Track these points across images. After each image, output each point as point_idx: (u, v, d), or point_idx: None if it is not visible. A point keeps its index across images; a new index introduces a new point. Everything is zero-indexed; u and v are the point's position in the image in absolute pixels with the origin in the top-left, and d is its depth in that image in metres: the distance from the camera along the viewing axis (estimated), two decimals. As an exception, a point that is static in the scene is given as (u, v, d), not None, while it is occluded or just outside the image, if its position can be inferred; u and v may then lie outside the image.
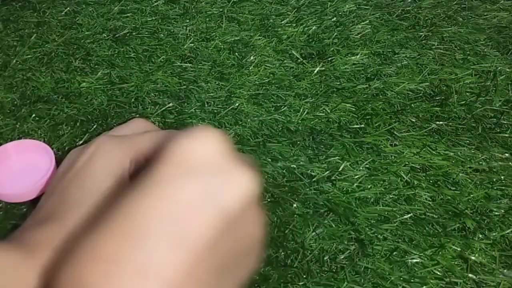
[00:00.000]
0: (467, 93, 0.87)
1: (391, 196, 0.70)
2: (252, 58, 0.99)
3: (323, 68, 0.94)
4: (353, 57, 0.96)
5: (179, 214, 0.17)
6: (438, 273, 0.61)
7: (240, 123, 0.86)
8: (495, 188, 0.71)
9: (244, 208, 0.19)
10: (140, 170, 0.25)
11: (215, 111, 0.88)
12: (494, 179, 0.72)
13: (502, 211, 0.68)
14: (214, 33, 1.07)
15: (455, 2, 1.10)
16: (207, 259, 0.17)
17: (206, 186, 0.18)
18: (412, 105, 0.84)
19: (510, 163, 0.74)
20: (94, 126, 0.76)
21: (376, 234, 0.65)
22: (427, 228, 0.66)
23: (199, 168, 0.19)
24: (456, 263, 0.63)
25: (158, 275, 0.16)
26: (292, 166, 0.75)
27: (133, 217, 0.17)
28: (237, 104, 0.89)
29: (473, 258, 0.63)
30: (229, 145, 0.20)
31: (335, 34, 1.03)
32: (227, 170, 0.19)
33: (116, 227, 0.18)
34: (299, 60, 0.97)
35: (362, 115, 0.83)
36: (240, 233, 0.19)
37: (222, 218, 0.18)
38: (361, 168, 0.74)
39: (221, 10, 1.15)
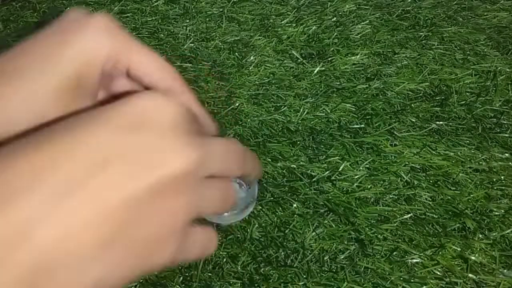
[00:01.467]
0: (467, 93, 0.87)
1: (391, 196, 0.70)
2: (252, 58, 0.99)
3: (323, 68, 0.94)
4: (353, 57, 0.96)
5: (104, 165, 0.16)
6: (438, 273, 0.61)
7: (240, 123, 0.86)
8: (495, 188, 0.71)
9: (164, 189, 0.16)
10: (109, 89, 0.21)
11: (215, 111, 0.88)
12: (494, 179, 0.72)
13: (502, 211, 0.68)
14: (214, 33, 1.07)
15: (455, 2, 1.10)
16: (112, 226, 0.15)
17: (141, 145, 0.17)
18: (412, 105, 0.84)
19: (510, 163, 0.74)
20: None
21: (376, 234, 0.65)
22: (427, 228, 0.66)
23: (144, 125, 0.17)
24: (456, 263, 0.63)
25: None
26: (292, 166, 0.75)
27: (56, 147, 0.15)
28: (237, 104, 0.89)
29: (473, 258, 0.62)
30: (189, 119, 0.18)
31: (335, 34, 1.03)
32: (171, 139, 0.17)
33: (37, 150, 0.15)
34: (299, 60, 0.97)
35: (362, 115, 0.83)
36: (153, 213, 0.16)
37: (148, 186, 0.16)
38: (361, 168, 0.74)
39: (221, 10, 1.14)
